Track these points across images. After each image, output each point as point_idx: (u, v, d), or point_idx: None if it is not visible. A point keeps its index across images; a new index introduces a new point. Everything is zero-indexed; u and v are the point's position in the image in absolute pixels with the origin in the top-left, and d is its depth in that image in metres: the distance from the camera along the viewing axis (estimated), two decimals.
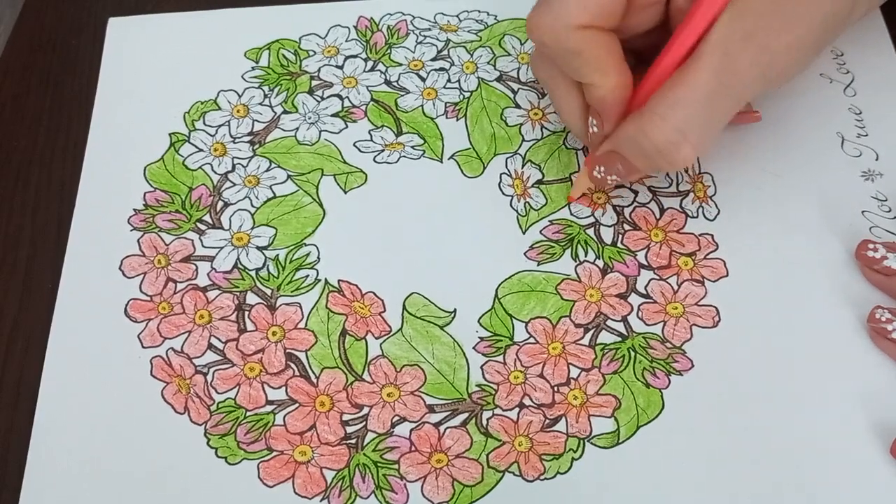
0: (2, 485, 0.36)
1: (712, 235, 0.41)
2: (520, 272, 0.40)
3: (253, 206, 0.42)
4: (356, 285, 0.40)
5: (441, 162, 0.44)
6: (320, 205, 0.42)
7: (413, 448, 0.36)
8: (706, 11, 0.33)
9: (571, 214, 0.42)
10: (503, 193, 0.42)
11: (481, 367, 0.38)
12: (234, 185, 0.43)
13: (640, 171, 0.37)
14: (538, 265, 0.40)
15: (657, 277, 0.40)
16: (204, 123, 0.45)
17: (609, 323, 0.39)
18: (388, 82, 0.46)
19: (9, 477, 0.36)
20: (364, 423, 0.37)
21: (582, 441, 0.36)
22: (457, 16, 0.48)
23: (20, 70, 0.48)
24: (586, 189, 0.42)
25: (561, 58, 0.36)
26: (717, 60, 0.33)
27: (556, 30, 0.34)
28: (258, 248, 0.41)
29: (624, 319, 0.39)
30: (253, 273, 0.40)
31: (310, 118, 0.45)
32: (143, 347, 0.38)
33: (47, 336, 0.39)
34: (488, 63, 0.47)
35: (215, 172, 0.43)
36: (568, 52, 0.35)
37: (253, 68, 0.47)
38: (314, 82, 0.46)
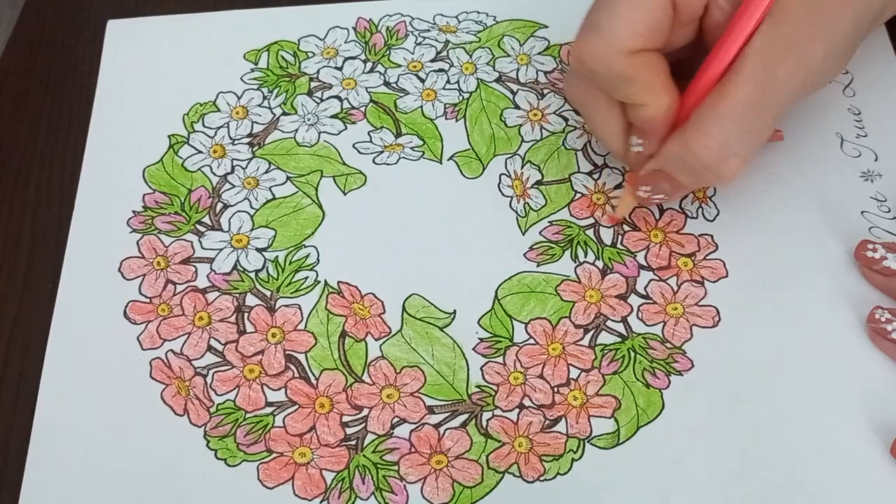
0: (2, 485, 0.36)
1: (712, 236, 0.41)
2: (519, 273, 0.40)
3: (252, 207, 0.42)
4: (356, 287, 0.40)
5: (440, 163, 0.44)
6: (320, 206, 0.42)
7: (413, 449, 0.36)
8: (745, 24, 0.33)
9: (571, 216, 0.42)
10: (503, 194, 0.42)
11: (481, 369, 0.38)
12: (234, 186, 0.43)
13: (687, 188, 0.37)
14: (538, 266, 0.40)
15: (657, 278, 0.40)
16: (203, 125, 0.45)
17: (609, 324, 0.39)
18: (387, 83, 0.46)
19: (9, 477, 0.36)
20: (364, 424, 0.37)
21: (582, 442, 0.36)
22: (456, 17, 0.49)
23: (20, 70, 0.48)
24: (629, 210, 0.41)
25: (611, 84, 0.35)
26: (758, 73, 0.33)
27: (608, 57, 0.34)
28: (257, 249, 0.41)
29: (624, 320, 0.39)
30: (252, 275, 0.40)
31: (309, 120, 0.45)
32: (143, 349, 0.38)
33: (47, 336, 0.39)
34: (487, 64, 0.47)
35: (214, 174, 0.43)
36: (620, 78, 0.35)
37: (252, 70, 0.47)
38: (313, 84, 0.46)
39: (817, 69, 0.34)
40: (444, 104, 0.45)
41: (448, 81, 0.46)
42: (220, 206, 0.42)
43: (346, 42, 0.48)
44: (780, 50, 0.33)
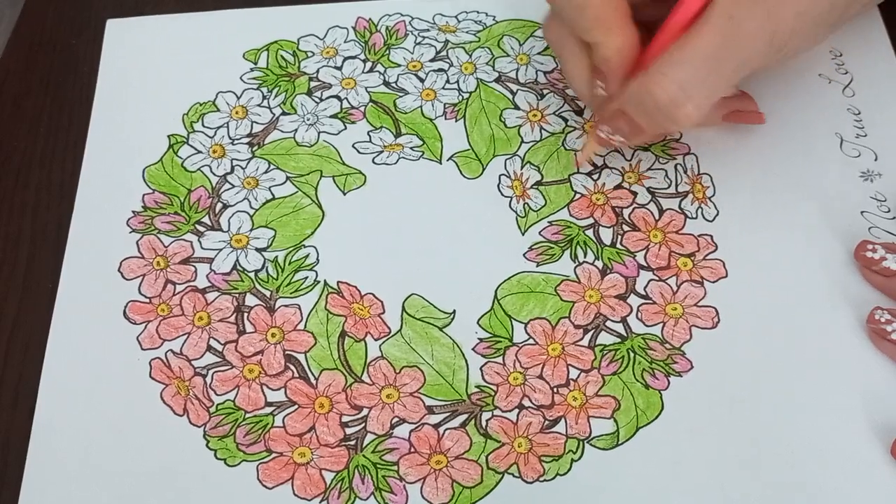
0: (2, 485, 0.36)
1: (711, 236, 0.41)
2: (519, 273, 0.40)
3: (252, 207, 0.42)
4: (355, 287, 0.40)
5: (440, 163, 0.44)
6: (319, 206, 0.42)
7: (412, 449, 0.36)
8: None
9: (570, 216, 0.42)
10: (502, 195, 0.42)
11: (480, 369, 0.38)
12: (233, 186, 0.43)
13: (645, 133, 0.38)
14: (537, 266, 0.40)
15: (656, 278, 0.40)
16: (202, 125, 0.45)
17: (608, 324, 0.39)
18: (386, 83, 0.46)
19: (9, 477, 0.36)
20: (363, 424, 0.37)
21: (581, 442, 0.36)
22: (455, 16, 0.48)
23: (20, 70, 0.48)
24: (592, 154, 0.42)
25: (568, 14, 0.36)
26: (723, 23, 0.34)
27: None
28: (257, 249, 0.41)
29: (623, 320, 0.39)
30: (252, 275, 0.40)
31: (308, 119, 0.45)
32: (143, 349, 0.38)
33: (47, 336, 0.39)
34: (487, 64, 0.47)
35: (214, 174, 0.43)
36: (574, 7, 0.36)
37: (251, 69, 0.47)
38: (313, 83, 0.46)
39: (787, 29, 0.34)
40: (444, 104, 0.45)
41: (448, 81, 0.46)
42: (219, 206, 0.42)
43: (345, 42, 0.48)
44: (747, 4, 0.34)
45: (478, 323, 0.39)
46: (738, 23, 0.34)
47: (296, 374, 0.38)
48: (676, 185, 0.42)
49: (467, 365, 0.38)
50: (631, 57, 0.37)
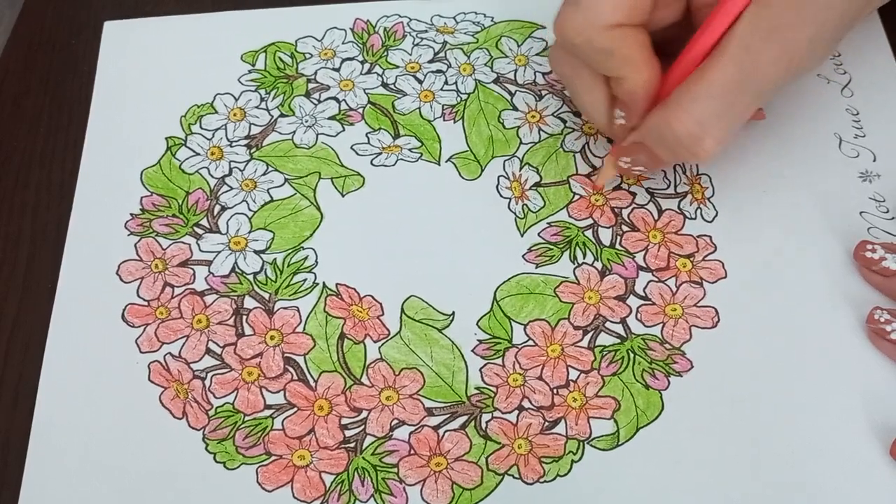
0: (2, 485, 0.36)
1: (710, 237, 0.41)
2: (518, 275, 0.40)
3: (250, 209, 0.42)
4: (354, 289, 0.40)
5: (439, 164, 0.43)
6: (318, 208, 0.42)
7: (412, 451, 0.36)
8: (731, 6, 0.34)
9: (569, 217, 0.42)
10: (501, 196, 0.42)
11: (480, 370, 0.38)
12: (232, 188, 0.43)
13: (665, 162, 0.38)
14: (536, 267, 0.40)
15: (656, 279, 0.40)
16: (200, 127, 0.45)
17: (608, 325, 0.39)
18: (384, 85, 0.46)
19: (9, 477, 0.36)
20: (363, 426, 0.37)
21: (581, 443, 0.36)
22: (453, 17, 0.48)
23: (20, 70, 0.48)
24: (609, 179, 0.42)
25: (591, 57, 0.36)
26: (740, 55, 0.34)
27: (588, 30, 0.35)
28: (256, 251, 0.41)
29: (623, 321, 0.39)
30: (251, 277, 0.40)
31: (307, 121, 0.45)
32: (141, 352, 0.38)
33: (47, 335, 0.39)
34: (485, 65, 0.47)
35: (212, 176, 0.43)
36: (600, 52, 0.35)
37: (249, 71, 0.47)
38: (311, 85, 0.46)
39: (802, 55, 0.34)
40: (443, 105, 0.45)
41: (446, 82, 0.46)
42: (217, 208, 0.42)
43: (343, 43, 0.48)
44: (764, 34, 0.34)
45: (477, 324, 0.39)
46: (756, 54, 0.34)
47: (295, 377, 0.38)
48: (675, 186, 0.42)
49: (467, 366, 0.38)
50: (656, 89, 0.36)
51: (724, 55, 0.34)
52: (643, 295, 0.39)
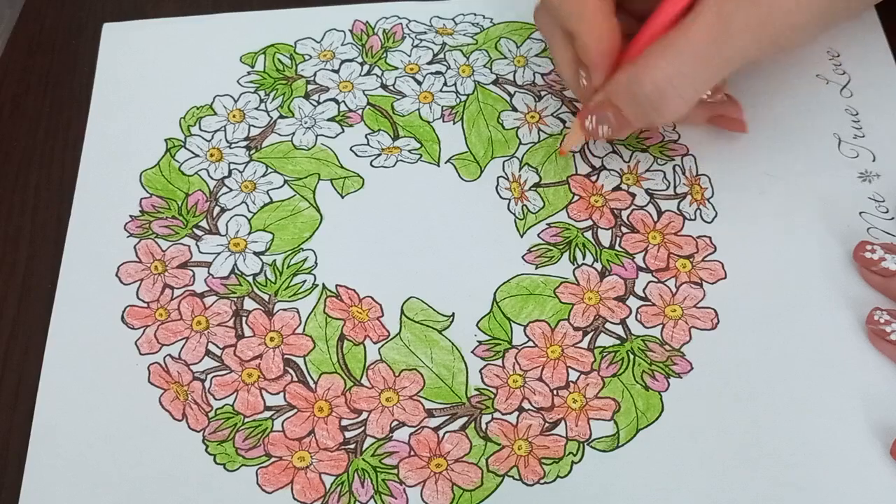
0: (1, 485, 0.36)
1: (710, 238, 0.41)
2: (518, 276, 0.40)
3: (250, 211, 0.42)
4: (354, 290, 0.40)
5: (438, 166, 0.43)
6: (317, 209, 0.42)
7: (412, 453, 0.36)
8: None
9: (569, 218, 0.42)
10: (500, 197, 0.42)
11: (480, 371, 0.38)
12: (231, 190, 0.43)
13: (631, 124, 0.38)
14: (536, 268, 0.40)
15: (655, 280, 0.40)
16: (200, 129, 0.45)
17: (608, 326, 0.39)
18: (384, 86, 0.46)
19: (9, 477, 0.36)
20: (363, 428, 0.36)
21: (582, 444, 0.36)
22: (452, 19, 0.48)
23: (20, 70, 0.48)
24: (577, 144, 0.42)
25: (550, 3, 0.37)
26: (712, 18, 0.34)
27: None
28: (255, 253, 0.41)
29: (623, 322, 0.39)
30: (250, 279, 0.40)
31: (306, 123, 0.45)
32: (141, 354, 0.38)
33: (47, 336, 0.39)
34: (484, 66, 0.47)
35: (212, 178, 0.43)
36: (556, 6, 0.37)
37: (249, 73, 0.47)
38: (310, 86, 0.46)
39: (777, 27, 0.34)
40: (442, 107, 0.45)
41: (445, 84, 0.46)
42: (217, 209, 0.42)
43: (342, 45, 0.48)
44: (736, 1, 0.34)
45: (477, 325, 0.39)
46: (728, 17, 0.34)
47: (295, 378, 0.38)
48: (675, 187, 0.42)
49: (467, 368, 0.38)
50: (611, 48, 0.37)
51: (696, 19, 0.34)
52: (643, 296, 0.39)
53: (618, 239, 0.41)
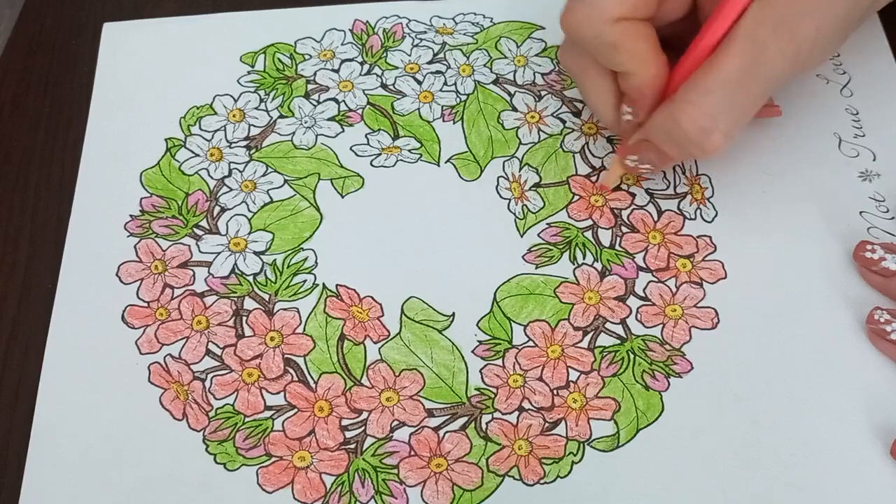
0: (1, 485, 0.36)
1: (710, 237, 0.41)
2: (518, 275, 0.40)
3: (250, 210, 0.42)
4: (354, 290, 0.40)
5: (438, 165, 0.43)
6: (317, 209, 0.42)
7: (412, 452, 0.36)
8: (736, 1, 0.34)
9: (569, 218, 0.42)
10: (501, 197, 0.42)
11: (480, 371, 0.38)
12: (231, 190, 0.43)
13: (673, 159, 0.38)
14: (536, 268, 0.40)
15: (656, 280, 0.40)
16: (200, 128, 0.45)
17: (608, 325, 0.39)
18: (384, 86, 0.46)
19: (9, 477, 0.36)
20: (363, 427, 0.36)
21: (582, 444, 0.36)
22: (452, 18, 0.48)
23: (20, 71, 0.48)
24: (617, 180, 0.42)
25: (598, 51, 0.36)
26: (747, 48, 0.34)
27: (594, 24, 0.35)
28: (255, 253, 0.41)
29: (623, 322, 0.39)
30: (250, 278, 0.40)
31: (306, 122, 0.45)
32: (141, 354, 0.38)
33: (47, 336, 0.39)
34: (485, 66, 0.47)
35: (212, 177, 0.43)
36: (606, 45, 0.35)
37: (248, 72, 0.47)
38: (310, 86, 0.46)
39: (809, 47, 0.34)
40: (442, 106, 0.45)
41: (445, 83, 0.46)
42: (217, 209, 0.42)
43: (342, 44, 0.48)
44: (770, 26, 0.33)
45: (477, 325, 0.39)
46: (762, 46, 0.34)
47: (295, 378, 0.38)
48: (675, 187, 0.42)
49: (467, 367, 0.38)
50: (663, 84, 0.36)
51: (731, 48, 0.34)
52: (643, 295, 0.39)
53: (618, 239, 0.41)
